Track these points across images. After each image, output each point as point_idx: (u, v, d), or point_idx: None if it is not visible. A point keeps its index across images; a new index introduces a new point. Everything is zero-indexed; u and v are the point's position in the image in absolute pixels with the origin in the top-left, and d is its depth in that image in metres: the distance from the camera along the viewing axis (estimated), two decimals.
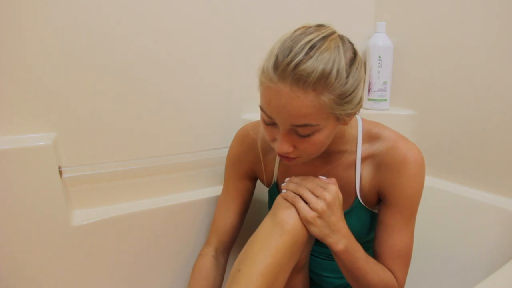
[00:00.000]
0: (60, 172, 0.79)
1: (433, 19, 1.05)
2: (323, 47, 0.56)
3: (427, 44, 1.07)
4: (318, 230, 0.63)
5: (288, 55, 0.55)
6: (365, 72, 0.93)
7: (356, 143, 0.73)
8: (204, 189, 1.01)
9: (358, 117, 0.75)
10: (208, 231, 0.95)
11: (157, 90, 0.90)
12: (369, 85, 1.17)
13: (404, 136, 0.72)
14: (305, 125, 0.58)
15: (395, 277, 0.70)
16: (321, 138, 0.61)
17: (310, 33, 0.57)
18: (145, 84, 0.88)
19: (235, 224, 0.87)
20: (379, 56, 1.14)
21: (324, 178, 0.66)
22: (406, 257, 0.71)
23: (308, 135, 0.60)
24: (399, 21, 1.14)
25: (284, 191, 0.66)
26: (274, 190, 0.83)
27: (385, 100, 1.17)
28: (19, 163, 0.73)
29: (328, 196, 0.62)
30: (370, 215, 0.76)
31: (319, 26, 0.60)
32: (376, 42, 1.14)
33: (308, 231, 0.64)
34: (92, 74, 0.82)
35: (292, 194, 0.64)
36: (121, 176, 0.90)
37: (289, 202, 0.64)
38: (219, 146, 0.99)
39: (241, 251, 0.67)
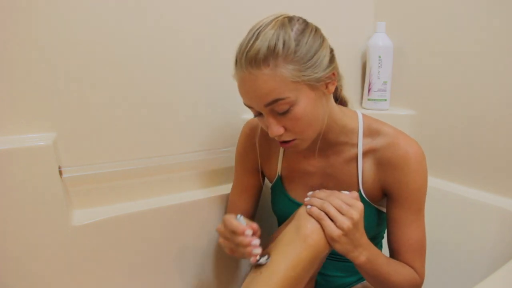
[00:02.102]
0: (60, 172, 0.79)
1: (433, 19, 1.05)
2: (267, 28, 0.61)
3: (427, 44, 1.07)
4: (342, 247, 0.63)
5: (241, 47, 0.62)
6: (365, 68, 0.93)
7: (357, 137, 0.74)
8: (204, 189, 1.01)
9: (359, 111, 0.76)
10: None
11: (157, 90, 0.90)
12: (369, 85, 1.17)
13: (403, 132, 0.73)
14: (275, 101, 0.61)
15: (415, 270, 0.71)
16: (301, 110, 0.63)
17: (259, 22, 0.63)
18: (145, 84, 0.88)
19: (249, 216, 0.89)
20: (379, 56, 1.14)
21: (347, 192, 0.65)
22: (422, 249, 0.72)
23: (288, 111, 0.63)
24: (399, 21, 1.14)
25: (308, 206, 0.65)
26: (278, 185, 0.83)
27: (385, 100, 1.17)
28: (19, 163, 0.73)
29: (355, 215, 0.62)
30: (374, 211, 0.76)
31: (275, 14, 0.65)
32: (376, 42, 1.14)
33: (329, 246, 0.64)
34: (92, 74, 0.82)
35: (318, 211, 0.63)
36: (121, 176, 0.90)
37: (314, 218, 0.64)
38: (219, 146, 0.99)
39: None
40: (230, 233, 0.66)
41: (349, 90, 0.81)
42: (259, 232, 0.68)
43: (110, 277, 0.87)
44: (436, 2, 1.04)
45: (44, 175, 0.76)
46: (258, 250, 0.64)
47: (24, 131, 0.78)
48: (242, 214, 0.88)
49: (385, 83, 1.15)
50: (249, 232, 0.64)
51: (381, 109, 1.17)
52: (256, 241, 0.64)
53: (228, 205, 0.92)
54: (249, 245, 0.64)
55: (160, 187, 0.95)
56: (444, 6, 1.02)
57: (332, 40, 0.67)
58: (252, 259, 0.64)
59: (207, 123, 0.98)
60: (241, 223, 0.66)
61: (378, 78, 1.15)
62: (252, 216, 0.91)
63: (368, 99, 1.18)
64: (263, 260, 0.64)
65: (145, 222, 0.89)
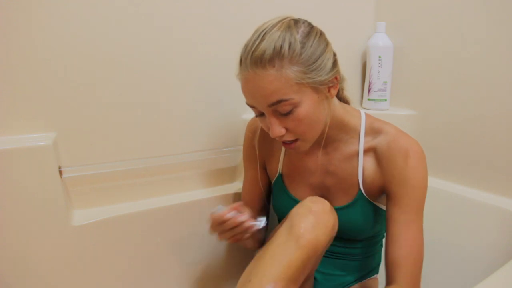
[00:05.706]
0: (60, 172, 0.79)
1: (433, 19, 1.05)
2: (273, 29, 0.62)
3: (427, 44, 1.07)
4: None
5: (247, 48, 0.63)
6: (365, 69, 0.93)
7: (359, 134, 0.74)
8: (204, 189, 1.01)
9: (362, 111, 0.77)
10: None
11: (157, 90, 0.90)
12: (369, 85, 1.17)
13: (405, 132, 0.73)
14: (279, 101, 0.62)
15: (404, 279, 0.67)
16: (304, 112, 0.63)
17: (265, 24, 0.64)
18: (145, 84, 0.88)
19: (260, 210, 0.91)
20: (379, 56, 1.14)
21: None
22: (418, 254, 0.68)
23: (290, 112, 0.63)
24: (399, 21, 1.14)
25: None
26: (279, 183, 0.83)
27: (385, 100, 1.17)
28: (19, 163, 0.73)
29: None
30: (373, 208, 0.76)
31: (280, 17, 0.66)
32: (376, 42, 1.14)
33: (324, 245, 0.63)
34: (92, 74, 0.82)
35: None
36: (121, 176, 0.90)
37: None
38: (219, 146, 0.99)
39: (251, 261, 0.67)
40: (219, 226, 0.68)
41: (349, 90, 0.81)
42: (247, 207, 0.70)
43: (110, 276, 0.87)
44: (436, 2, 1.04)
45: (44, 175, 0.76)
46: (250, 222, 0.66)
47: (24, 131, 0.78)
48: (258, 200, 0.90)
49: (385, 83, 1.15)
50: (231, 214, 0.66)
51: (381, 109, 1.17)
52: (242, 217, 0.67)
53: (242, 199, 0.93)
54: (239, 224, 0.66)
55: (160, 187, 0.95)
56: (444, 7, 1.02)
57: (332, 40, 0.68)
58: (251, 227, 0.66)
59: (207, 123, 0.98)
60: (222, 211, 0.68)
61: (378, 78, 1.15)
62: (269, 197, 0.92)
63: (368, 99, 1.18)
64: (260, 224, 0.67)
65: (145, 222, 0.89)
